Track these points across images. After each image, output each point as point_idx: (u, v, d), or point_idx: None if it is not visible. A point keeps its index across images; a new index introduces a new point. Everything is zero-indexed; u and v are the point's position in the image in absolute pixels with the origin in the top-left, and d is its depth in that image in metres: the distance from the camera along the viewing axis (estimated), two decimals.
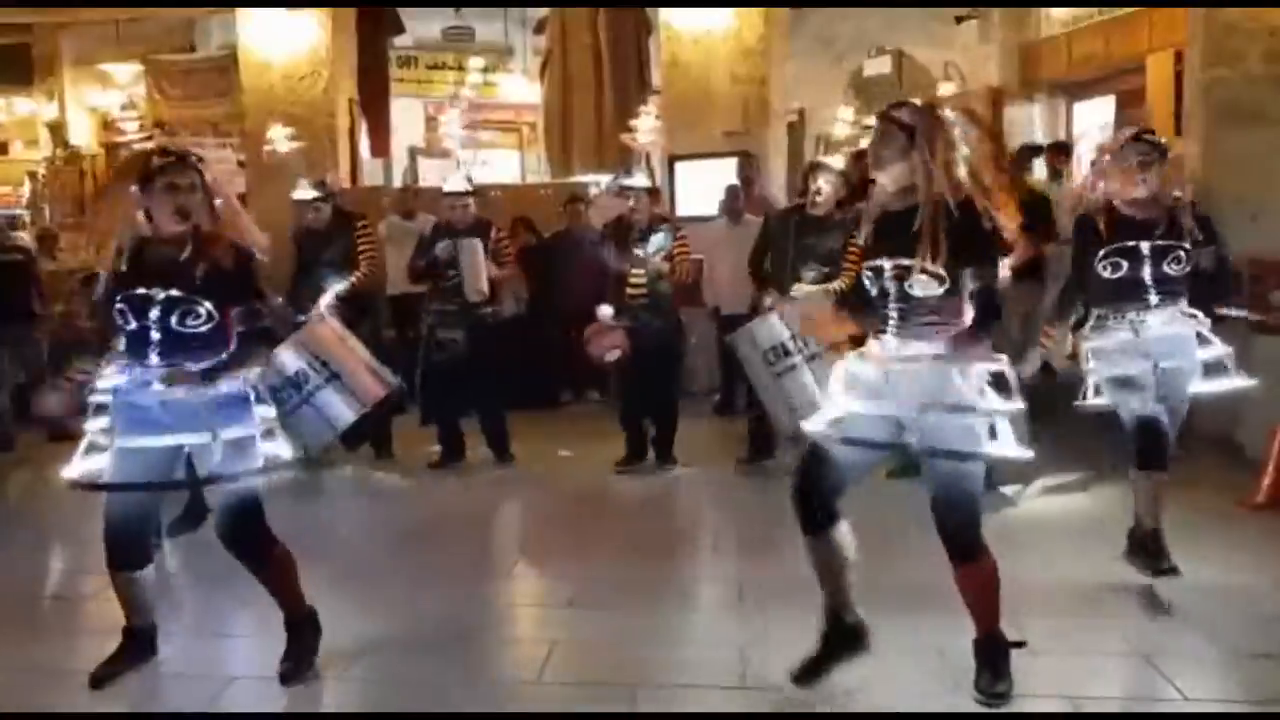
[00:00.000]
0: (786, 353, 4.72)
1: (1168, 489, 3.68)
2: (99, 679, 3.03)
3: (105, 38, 11.60)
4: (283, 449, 3.01)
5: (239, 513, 2.96)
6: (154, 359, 2.91)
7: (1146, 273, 3.63)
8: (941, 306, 2.74)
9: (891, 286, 2.78)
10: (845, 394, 2.87)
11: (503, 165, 12.31)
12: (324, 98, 8.82)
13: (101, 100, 12.81)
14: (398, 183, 10.50)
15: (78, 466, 2.97)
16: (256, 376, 3.01)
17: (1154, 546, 3.66)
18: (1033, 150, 7.98)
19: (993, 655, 2.85)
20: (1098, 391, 3.75)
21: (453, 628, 3.51)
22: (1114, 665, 3.23)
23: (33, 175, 11.78)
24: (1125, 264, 3.63)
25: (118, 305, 2.91)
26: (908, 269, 2.72)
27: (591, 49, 9.20)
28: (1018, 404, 2.78)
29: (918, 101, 2.81)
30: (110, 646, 3.13)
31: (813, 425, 2.91)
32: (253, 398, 2.98)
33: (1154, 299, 3.64)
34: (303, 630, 3.12)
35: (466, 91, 12.22)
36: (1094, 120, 9.54)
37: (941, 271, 2.68)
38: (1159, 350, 3.63)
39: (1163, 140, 3.77)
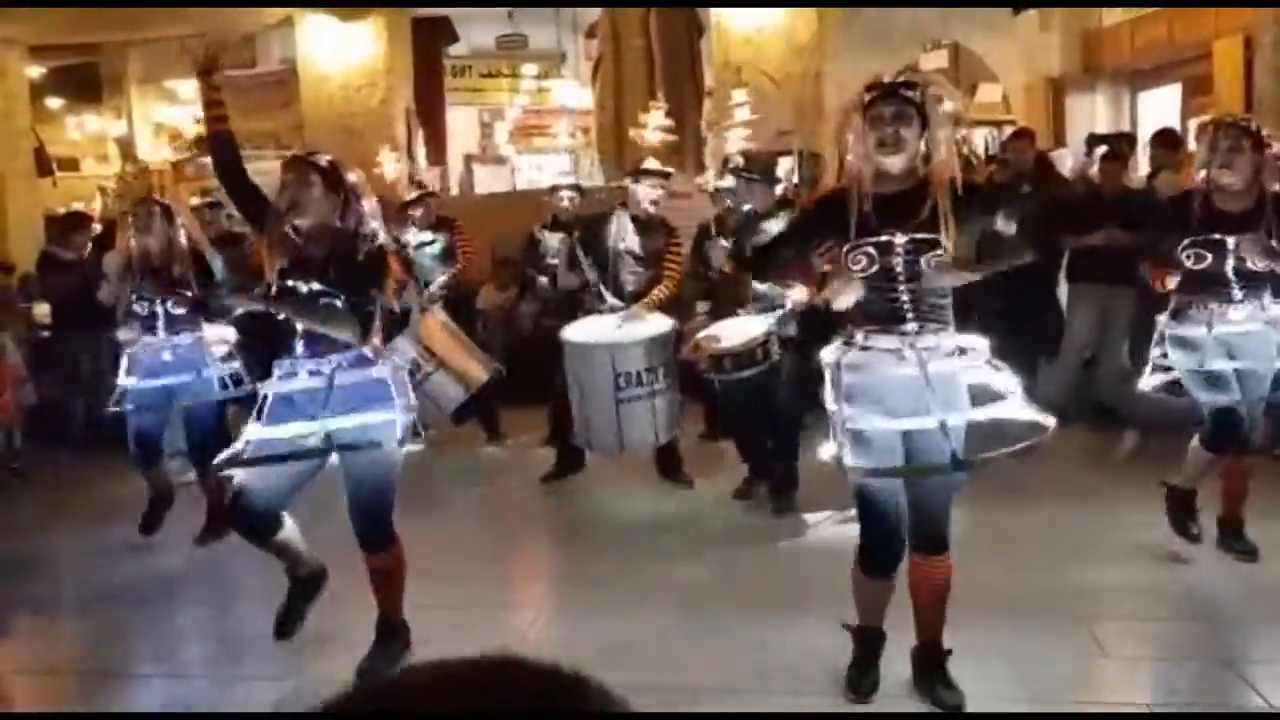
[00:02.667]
0: (640, 381, 4.62)
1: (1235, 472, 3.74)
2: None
3: (170, 55, 11.91)
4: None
5: (371, 491, 3.00)
6: (299, 349, 3.00)
7: (1229, 266, 3.53)
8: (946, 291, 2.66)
9: (901, 265, 2.61)
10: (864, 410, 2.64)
11: (556, 169, 12.38)
12: (381, 108, 8.97)
13: (168, 115, 13.19)
14: (455, 190, 10.63)
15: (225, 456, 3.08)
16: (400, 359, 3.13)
17: (1188, 506, 3.79)
18: (1097, 140, 7.72)
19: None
20: (1166, 375, 3.72)
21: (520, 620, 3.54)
22: (1192, 671, 3.13)
23: (103, 190, 12.18)
24: (1209, 256, 3.53)
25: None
26: (925, 243, 2.59)
27: (643, 51, 9.20)
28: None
29: (915, 79, 2.69)
30: None
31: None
32: (389, 378, 3.02)
33: (1237, 293, 3.54)
34: (393, 638, 3.13)
35: (520, 99, 12.35)
36: (1159, 110, 9.28)
37: (952, 249, 2.59)
38: (1239, 348, 3.56)
39: (1263, 130, 3.61)
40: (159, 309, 4.45)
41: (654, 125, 6.42)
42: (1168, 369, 3.71)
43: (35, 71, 11.11)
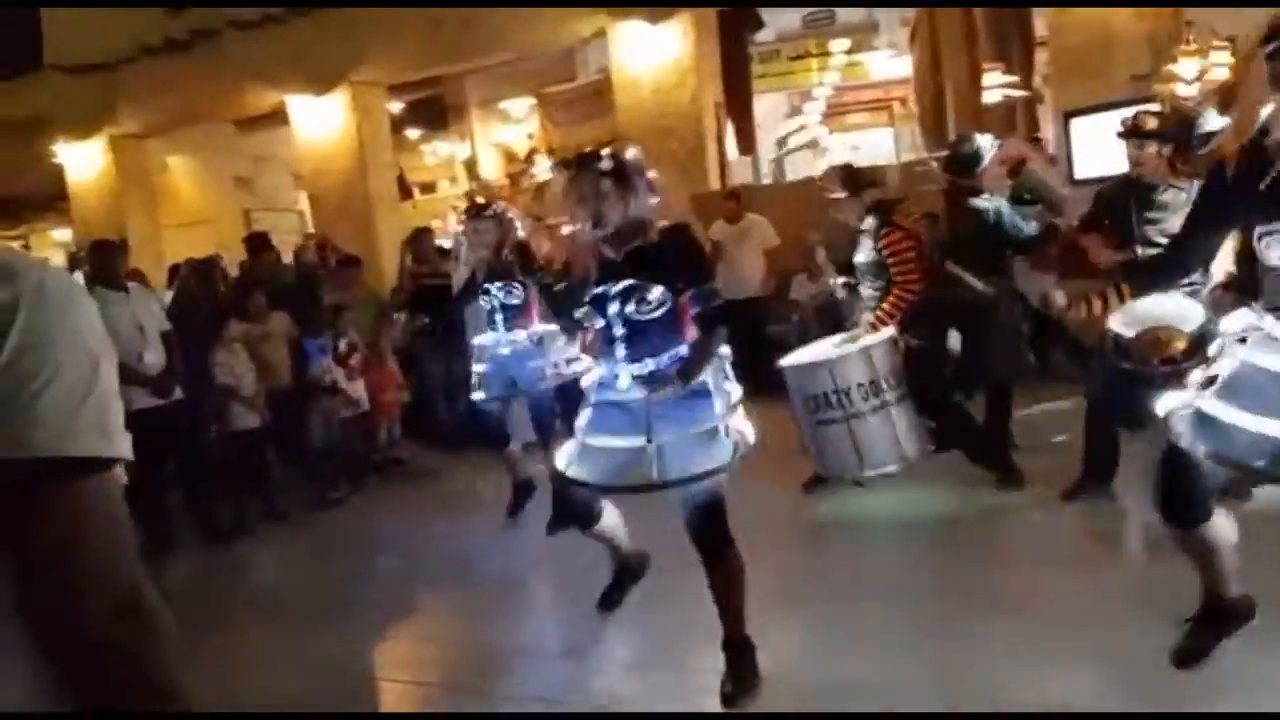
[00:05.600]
0: (831, 404, 4.39)
1: None
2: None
3: (502, 78, 12.94)
4: (746, 429, 2.90)
5: (705, 506, 2.87)
6: (620, 352, 2.97)
7: None
8: None
9: None
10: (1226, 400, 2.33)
11: (873, 145, 11.90)
12: (691, 105, 9.05)
13: (504, 135, 14.36)
14: (766, 179, 10.54)
15: (560, 458, 3.07)
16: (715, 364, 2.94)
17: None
18: None
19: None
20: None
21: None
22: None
23: (455, 209, 13.50)
24: None
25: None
26: None
27: (962, 9, 8.51)
28: None
29: None
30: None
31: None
32: (711, 386, 2.89)
33: None
34: (742, 651, 2.96)
35: (829, 76, 11.98)
36: None
37: None
38: None
39: None
40: (495, 301, 4.70)
41: (993, 84, 5.68)
42: None
43: (395, 107, 12.53)
